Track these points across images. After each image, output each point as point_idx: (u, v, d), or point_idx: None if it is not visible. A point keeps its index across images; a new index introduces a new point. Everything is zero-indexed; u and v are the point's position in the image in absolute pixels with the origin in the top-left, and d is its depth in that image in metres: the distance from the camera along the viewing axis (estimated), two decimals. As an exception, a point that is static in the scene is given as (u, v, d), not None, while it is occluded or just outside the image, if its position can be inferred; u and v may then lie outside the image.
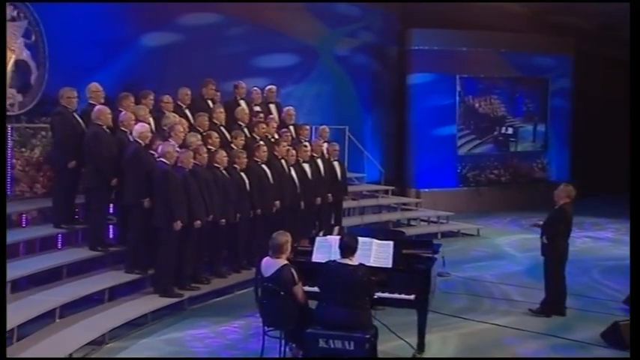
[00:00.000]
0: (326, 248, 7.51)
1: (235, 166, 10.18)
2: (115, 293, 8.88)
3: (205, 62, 13.49)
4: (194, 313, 8.99)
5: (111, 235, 10.03)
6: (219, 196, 9.67)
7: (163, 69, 12.93)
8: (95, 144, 9.11)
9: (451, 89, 17.84)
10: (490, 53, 18.01)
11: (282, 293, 6.82)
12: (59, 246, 9.59)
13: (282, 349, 7.08)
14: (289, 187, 11.08)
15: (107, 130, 9.30)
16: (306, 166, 11.60)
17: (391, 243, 7.48)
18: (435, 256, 7.77)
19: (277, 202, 10.78)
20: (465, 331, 8.53)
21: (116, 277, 9.04)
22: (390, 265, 7.34)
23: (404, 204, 15.72)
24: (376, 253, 7.41)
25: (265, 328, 7.08)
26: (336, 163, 12.23)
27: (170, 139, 9.33)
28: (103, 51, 12.02)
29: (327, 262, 6.96)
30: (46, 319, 7.84)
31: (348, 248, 6.84)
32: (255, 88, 12.48)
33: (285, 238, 7.04)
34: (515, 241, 14.09)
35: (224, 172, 9.94)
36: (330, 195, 11.90)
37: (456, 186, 17.85)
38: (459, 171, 17.90)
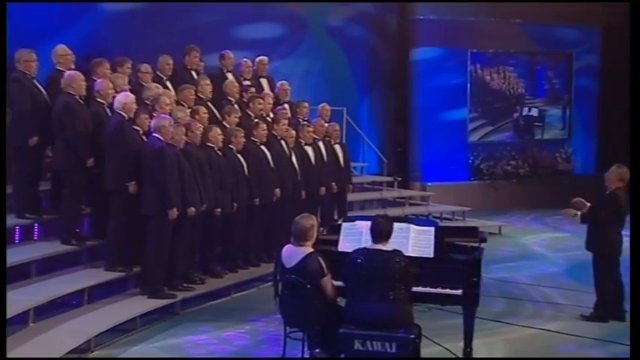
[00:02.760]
0: (355, 235, 7.36)
1: (231, 146, 10.08)
2: (93, 295, 8.71)
3: (176, 31, 13.39)
4: (189, 317, 8.90)
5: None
6: (215, 181, 9.57)
7: (128, 38, 12.86)
8: (67, 116, 8.93)
9: (461, 66, 17.82)
10: (506, 24, 18.00)
11: (308, 286, 6.71)
12: (17, 239, 9.41)
13: (307, 354, 6.95)
14: (290, 173, 10.99)
15: (81, 101, 9.13)
16: (309, 150, 11.55)
17: (432, 229, 7.37)
18: (482, 245, 7.69)
19: (277, 191, 10.69)
20: (512, 337, 8.53)
21: (95, 275, 8.90)
22: (431, 255, 7.21)
23: (410, 198, 15.66)
24: (415, 241, 7.27)
25: (287, 328, 6.96)
26: (337, 147, 12.23)
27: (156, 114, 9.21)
28: (57, 15, 11.96)
29: (355, 250, 6.86)
30: (17, 323, 7.66)
31: (381, 232, 6.76)
32: (244, 59, 12.36)
33: (310, 221, 6.94)
34: (544, 240, 14.15)
35: (219, 152, 9.83)
36: (333, 184, 11.85)
37: (467, 179, 17.84)
38: (470, 162, 17.89)
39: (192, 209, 9.03)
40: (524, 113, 18.62)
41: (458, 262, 7.28)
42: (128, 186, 8.85)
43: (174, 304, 8.94)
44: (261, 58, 12.65)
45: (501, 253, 13.02)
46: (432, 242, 7.29)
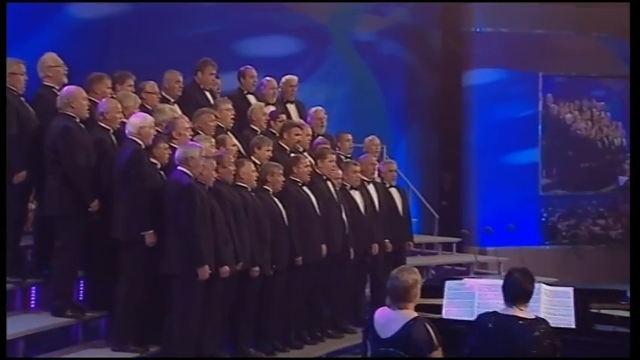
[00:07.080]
0: (466, 297, 7.44)
1: (266, 187, 10.11)
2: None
3: (164, 45, 13.68)
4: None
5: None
6: (251, 231, 9.61)
7: (105, 52, 13.04)
8: (66, 144, 8.94)
9: (530, 94, 18.01)
10: (588, 39, 18.18)
11: (414, 363, 6.68)
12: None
13: None
14: (339, 224, 11.01)
15: (82, 125, 9.16)
16: (357, 195, 11.58)
17: (570, 290, 7.50)
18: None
19: (324, 247, 10.70)
20: None
21: (101, 355, 8.84)
22: (572, 325, 7.30)
23: (462, 264, 15.60)
24: (548, 306, 7.37)
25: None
26: (394, 191, 12.30)
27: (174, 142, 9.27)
28: (15, 21, 11.90)
29: (484, 315, 6.82)
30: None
31: (519, 292, 6.70)
32: (267, 78, 12.40)
33: (414, 276, 6.88)
34: (662, 323, 14.11)
35: (253, 195, 9.86)
36: (387, 241, 11.88)
37: (540, 242, 17.91)
38: (543, 219, 17.99)
39: (227, 268, 9.04)
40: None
41: (612, 337, 7.30)
42: (144, 236, 8.85)
43: (203, 396, 8.93)
44: (289, 77, 12.69)
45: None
46: (572, 308, 7.34)
